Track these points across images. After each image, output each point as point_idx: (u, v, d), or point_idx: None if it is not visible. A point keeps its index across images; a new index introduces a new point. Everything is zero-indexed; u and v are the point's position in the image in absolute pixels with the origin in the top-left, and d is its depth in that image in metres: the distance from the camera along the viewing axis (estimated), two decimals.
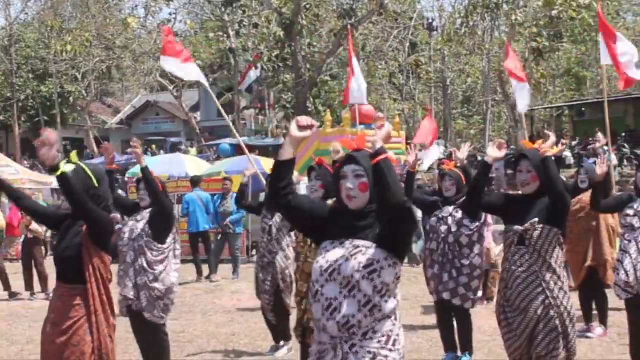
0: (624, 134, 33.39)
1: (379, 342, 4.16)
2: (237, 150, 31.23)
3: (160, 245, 7.83)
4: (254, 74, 37.83)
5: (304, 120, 4.24)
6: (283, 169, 4.28)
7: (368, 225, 4.24)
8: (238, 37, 38.48)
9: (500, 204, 6.39)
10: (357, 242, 4.19)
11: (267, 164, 19.12)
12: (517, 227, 5.97)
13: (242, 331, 11.21)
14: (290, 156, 4.24)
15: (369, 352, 4.13)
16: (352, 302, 4.12)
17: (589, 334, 10.26)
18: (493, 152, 6.00)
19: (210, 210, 17.80)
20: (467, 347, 8.66)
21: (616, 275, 7.82)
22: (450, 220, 8.51)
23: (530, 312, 5.87)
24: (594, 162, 16.54)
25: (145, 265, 7.76)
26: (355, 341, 4.13)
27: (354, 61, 17.28)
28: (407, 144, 22.76)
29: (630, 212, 7.76)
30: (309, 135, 4.23)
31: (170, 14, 43.19)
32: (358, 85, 17.16)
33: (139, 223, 7.91)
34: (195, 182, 18.30)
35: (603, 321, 10.44)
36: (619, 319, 10.87)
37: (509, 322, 6.02)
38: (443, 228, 8.51)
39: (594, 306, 10.57)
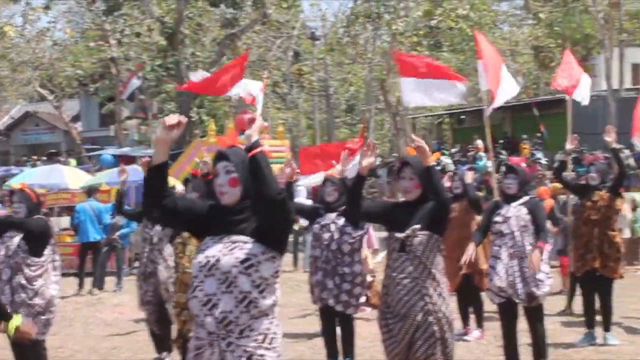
0: (501, 141, 34.30)
1: (255, 340, 4.18)
2: (118, 160, 30.77)
3: (37, 259, 7.65)
4: (135, 82, 37.35)
5: (171, 119, 4.20)
6: (154, 174, 4.25)
7: (244, 219, 4.27)
8: (120, 46, 37.94)
9: (381, 211, 6.41)
10: (235, 237, 4.23)
11: None
12: (398, 234, 6.00)
13: (123, 344, 11.06)
14: (161, 160, 4.21)
15: (245, 351, 4.15)
16: (229, 297, 4.14)
17: (466, 337, 10.52)
18: (366, 162, 6.05)
19: (102, 220, 17.51)
20: (349, 353, 8.76)
21: (489, 281, 8.07)
22: (333, 227, 8.59)
23: (410, 318, 5.93)
24: (468, 169, 16.93)
25: (23, 282, 7.57)
26: (232, 339, 4.14)
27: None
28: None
29: (499, 218, 8.02)
30: (177, 135, 4.19)
31: (49, 22, 42.15)
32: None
33: (13, 239, 7.71)
34: (90, 192, 17.98)
35: (479, 324, 10.72)
36: (494, 323, 11.17)
37: (390, 328, 6.06)
38: (326, 235, 8.59)
39: (470, 309, 10.84)
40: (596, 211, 9.83)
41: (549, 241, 11.45)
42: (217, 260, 4.18)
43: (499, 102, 11.93)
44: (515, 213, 8.03)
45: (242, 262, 4.16)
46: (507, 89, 12.23)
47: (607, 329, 10.03)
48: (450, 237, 10.63)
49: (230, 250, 4.19)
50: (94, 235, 17.37)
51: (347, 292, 8.52)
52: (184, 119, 4.24)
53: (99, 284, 16.99)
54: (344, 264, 8.54)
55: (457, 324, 10.46)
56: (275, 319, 4.30)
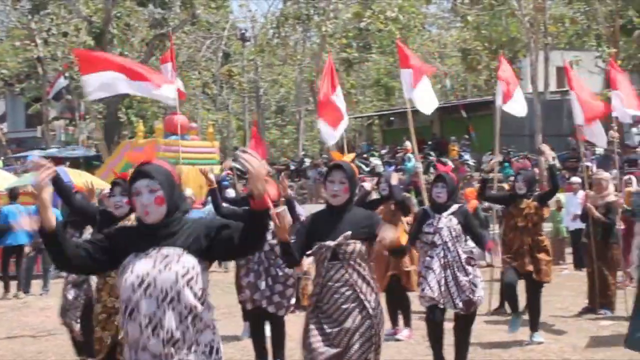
0: (430, 142, 34.65)
1: (203, 353, 4.09)
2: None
3: None
4: (63, 82, 36.83)
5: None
6: (50, 242, 4.05)
7: (172, 233, 4.13)
8: (46, 45, 37.38)
9: (307, 236, 6.07)
10: (165, 250, 4.08)
11: (76, 175, 18.63)
12: (330, 243, 5.90)
13: (49, 349, 10.89)
14: (51, 225, 3.99)
15: None
16: (173, 314, 4.01)
17: (397, 337, 10.60)
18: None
19: None
20: (280, 355, 8.74)
21: (421, 291, 8.12)
22: None
23: (348, 323, 5.89)
24: (395, 170, 17.03)
25: None
26: (182, 356, 4.03)
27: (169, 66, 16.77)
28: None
29: (430, 229, 8.07)
30: (45, 183, 4.01)
31: None
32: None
33: None
34: (14, 195, 17.59)
35: (408, 324, 10.80)
36: (423, 323, 11.27)
37: (325, 332, 5.99)
38: None
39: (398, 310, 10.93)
40: (523, 218, 9.98)
41: (492, 238, 11.67)
42: (154, 278, 4.02)
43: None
44: (447, 224, 8.09)
45: (183, 275, 4.04)
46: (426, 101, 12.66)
47: (535, 329, 10.18)
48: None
49: (166, 266, 4.03)
50: (21, 238, 17.07)
51: (279, 293, 8.50)
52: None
53: (24, 288, 16.71)
54: (277, 265, 8.52)
55: (387, 325, 10.56)
56: (217, 330, 4.22)
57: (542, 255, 10.04)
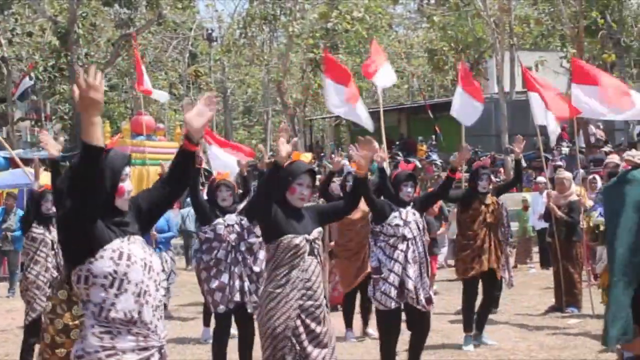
0: (398, 142, 34.76)
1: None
2: (11, 163, 30.03)
3: None
4: (28, 82, 36.53)
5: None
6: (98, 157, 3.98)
7: (129, 220, 4.17)
8: (11, 45, 37.04)
9: (270, 211, 6.11)
10: (137, 236, 4.13)
11: (44, 177, 18.46)
12: (308, 237, 5.94)
13: (16, 351, 10.79)
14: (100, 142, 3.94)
15: (165, 354, 4.20)
16: (158, 300, 4.13)
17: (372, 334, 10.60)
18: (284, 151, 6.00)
19: None
20: (249, 356, 8.68)
21: (391, 285, 8.01)
22: (237, 227, 8.51)
23: (327, 322, 6.00)
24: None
25: None
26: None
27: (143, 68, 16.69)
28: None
29: (399, 222, 8.00)
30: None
31: None
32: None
33: None
34: None
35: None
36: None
37: (312, 330, 6.01)
38: (233, 236, 8.49)
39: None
40: (491, 214, 10.02)
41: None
42: (151, 262, 4.09)
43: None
44: (413, 217, 8.11)
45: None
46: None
47: (483, 327, 10.23)
48: (355, 237, 10.79)
49: (150, 251, 4.13)
50: None
51: (255, 292, 8.46)
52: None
53: None
54: (250, 264, 8.51)
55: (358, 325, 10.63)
56: None
57: (501, 253, 10.11)
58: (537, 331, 10.89)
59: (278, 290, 5.97)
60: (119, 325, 3.94)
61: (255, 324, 8.77)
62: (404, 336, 8.30)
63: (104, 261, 3.93)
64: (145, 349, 4.03)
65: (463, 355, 9.65)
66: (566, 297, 12.17)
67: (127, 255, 3.99)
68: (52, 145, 7.46)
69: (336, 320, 9.32)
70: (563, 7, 33.11)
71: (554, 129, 12.87)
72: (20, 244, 17.33)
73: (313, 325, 5.95)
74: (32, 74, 35.73)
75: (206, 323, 11.01)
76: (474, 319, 10.09)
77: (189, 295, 15.10)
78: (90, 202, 3.86)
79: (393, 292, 7.93)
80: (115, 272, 3.94)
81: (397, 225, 8.00)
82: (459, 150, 9.30)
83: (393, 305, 7.94)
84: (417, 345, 8.25)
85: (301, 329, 5.93)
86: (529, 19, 37.19)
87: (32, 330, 9.06)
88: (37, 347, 8.89)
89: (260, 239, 8.17)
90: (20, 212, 17.01)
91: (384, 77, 13.63)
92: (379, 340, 8.34)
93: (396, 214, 8.03)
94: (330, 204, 8.05)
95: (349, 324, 10.91)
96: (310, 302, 5.95)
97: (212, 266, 8.48)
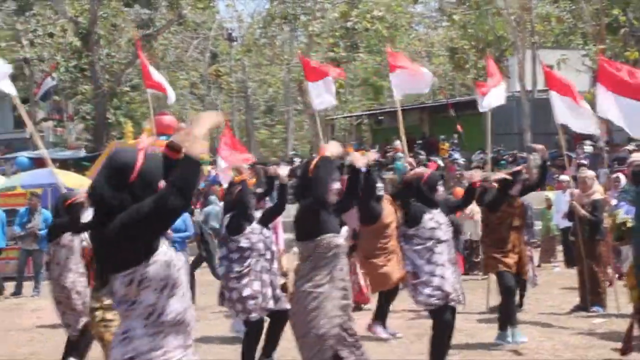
0: (420, 141, 34.68)
1: None
2: (35, 163, 30.18)
3: None
4: (50, 83, 36.74)
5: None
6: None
7: None
8: (32, 46, 37.28)
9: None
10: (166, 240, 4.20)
11: (66, 177, 18.60)
12: (344, 237, 6.02)
13: (42, 350, 10.89)
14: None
15: None
16: None
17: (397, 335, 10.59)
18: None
19: (3, 227, 17.24)
20: (270, 354, 8.71)
21: (432, 287, 7.96)
22: (262, 235, 8.59)
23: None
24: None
25: None
26: None
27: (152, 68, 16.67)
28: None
29: (434, 224, 7.93)
30: None
31: None
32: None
33: None
34: None
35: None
36: (417, 321, 11.33)
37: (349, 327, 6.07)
38: (261, 244, 8.52)
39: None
40: (518, 216, 10.02)
41: None
42: (182, 262, 4.15)
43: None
44: (444, 219, 8.09)
45: None
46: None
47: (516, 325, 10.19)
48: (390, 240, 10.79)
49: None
50: (1, 242, 17.20)
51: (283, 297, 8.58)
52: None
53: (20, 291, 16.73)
54: (274, 271, 8.58)
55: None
56: None
57: (525, 254, 10.12)
58: (562, 330, 10.84)
59: (320, 290, 5.96)
60: (169, 327, 3.98)
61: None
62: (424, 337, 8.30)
63: (157, 266, 3.96)
64: (189, 346, 4.08)
65: (487, 354, 9.63)
66: (591, 296, 12.11)
67: (174, 259, 4.05)
68: None
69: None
70: (584, 4, 32.97)
71: (591, 119, 12.54)
72: (45, 244, 17.45)
73: (349, 323, 6.00)
74: (54, 75, 35.94)
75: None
76: (501, 318, 10.05)
77: (205, 294, 15.11)
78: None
79: (437, 294, 7.91)
80: (168, 276, 3.99)
81: (433, 229, 7.95)
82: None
83: (441, 302, 7.92)
84: (447, 342, 8.24)
85: (347, 325, 5.99)
86: (550, 16, 37.03)
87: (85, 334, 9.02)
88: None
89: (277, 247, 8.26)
90: (45, 212, 17.13)
91: (495, 97, 13.42)
92: (431, 339, 8.23)
93: (430, 216, 7.99)
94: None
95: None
96: (346, 302, 5.98)
97: (245, 274, 8.41)
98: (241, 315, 8.51)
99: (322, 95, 14.30)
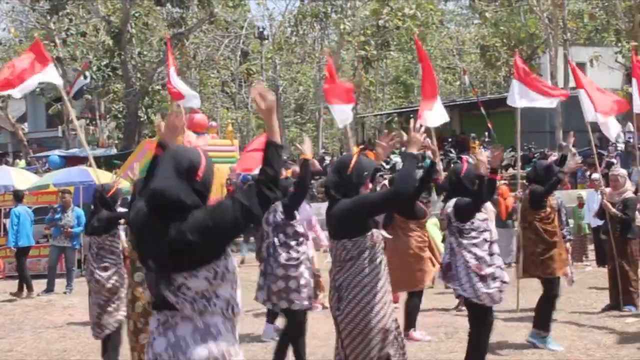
0: (450, 139, 34.55)
1: None
2: (67, 161, 30.44)
3: None
4: (82, 82, 37.01)
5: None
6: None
7: None
8: (65, 45, 37.55)
9: None
10: None
11: (101, 175, 18.68)
12: (384, 234, 6.02)
13: (73, 347, 10.96)
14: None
15: None
16: None
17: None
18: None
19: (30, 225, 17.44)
20: (301, 354, 8.68)
21: (500, 283, 7.88)
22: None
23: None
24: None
25: None
26: None
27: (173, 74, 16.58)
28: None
29: (483, 224, 7.90)
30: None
31: None
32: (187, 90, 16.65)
33: None
34: (20, 196, 17.70)
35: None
36: (447, 319, 11.29)
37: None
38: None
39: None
40: (557, 213, 10.01)
41: None
42: None
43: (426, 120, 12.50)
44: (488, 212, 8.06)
45: None
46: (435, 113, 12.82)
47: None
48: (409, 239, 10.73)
49: None
50: (32, 239, 17.36)
51: (295, 290, 8.53)
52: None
53: (52, 287, 16.84)
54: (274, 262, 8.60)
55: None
56: None
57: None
58: (594, 330, 10.76)
59: (379, 284, 5.92)
60: (236, 320, 4.09)
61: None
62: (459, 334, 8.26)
63: (232, 258, 4.07)
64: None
65: (519, 354, 9.57)
66: (623, 296, 12.01)
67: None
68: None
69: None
70: (617, 1, 32.68)
71: (612, 125, 12.63)
72: (77, 241, 17.58)
73: (397, 320, 6.00)
74: (87, 73, 36.19)
75: (270, 320, 10.92)
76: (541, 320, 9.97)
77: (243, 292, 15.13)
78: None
79: (503, 286, 7.86)
80: (235, 267, 4.10)
81: (485, 219, 7.92)
82: (495, 150, 8.93)
83: (502, 297, 7.89)
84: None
85: (397, 322, 5.98)
86: (583, 13, 36.76)
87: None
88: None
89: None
90: (77, 210, 17.28)
91: (434, 116, 13.56)
92: (473, 337, 8.05)
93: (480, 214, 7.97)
94: None
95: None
96: (390, 297, 5.98)
97: (302, 261, 8.49)
98: (297, 304, 8.44)
99: (344, 112, 14.26)
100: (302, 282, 8.40)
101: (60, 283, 17.09)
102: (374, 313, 5.81)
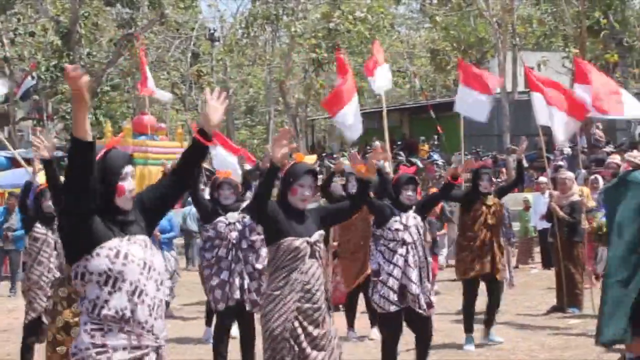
0: (399, 142, 34.72)
1: (165, 341, 4.21)
2: (12, 163, 30.01)
3: None
4: (30, 82, 36.52)
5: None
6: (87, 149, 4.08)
7: (134, 219, 4.19)
8: (13, 45, 37.03)
9: (274, 210, 6.07)
10: (139, 236, 4.15)
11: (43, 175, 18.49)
12: (309, 239, 5.93)
13: (18, 350, 10.80)
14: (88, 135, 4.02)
15: (163, 355, 4.17)
16: (160, 299, 4.14)
17: (372, 336, 10.58)
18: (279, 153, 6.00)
19: None
20: (250, 355, 8.69)
21: (382, 288, 7.98)
22: (239, 225, 8.56)
23: (326, 324, 5.95)
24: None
25: None
26: (163, 342, 4.14)
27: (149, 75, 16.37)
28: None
29: (399, 226, 7.92)
30: None
31: None
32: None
33: None
34: None
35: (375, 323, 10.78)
36: None
37: (309, 333, 5.98)
38: (234, 234, 8.54)
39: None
40: (492, 215, 10.00)
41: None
42: (152, 262, 4.10)
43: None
44: (414, 222, 8.04)
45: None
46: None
47: (491, 325, 10.24)
48: (353, 237, 10.80)
49: (152, 251, 4.14)
50: None
51: (255, 291, 8.47)
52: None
53: None
54: (252, 262, 8.53)
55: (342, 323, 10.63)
56: None
57: (499, 255, 10.11)
58: (539, 331, 10.88)
59: (276, 293, 5.96)
60: (111, 322, 3.98)
61: (257, 324, 8.83)
62: (405, 337, 8.28)
63: (100, 259, 3.97)
64: (138, 347, 4.03)
65: (464, 355, 9.65)
66: (568, 298, 12.16)
67: (124, 254, 4.02)
68: (44, 147, 7.37)
69: (338, 320, 9.34)
70: (566, 7, 33.10)
71: (569, 127, 12.44)
72: (21, 244, 17.33)
73: (311, 328, 5.92)
74: (34, 74, 35.74)
75: (208, 323, 10.98)
76: (484, 320, 10.15)
77: (189, 294, 15.10)
78: (83, 197, 3.93)
79: (392, 296, 7.88)
80: (110, 270, 3.98)
81: (397, 230, 7.94)
82: (455, 160, 9.19)
83: (392, 308, 7.88)
84: (421, 351, 8.17)
85: (299, 331, 5.91)
86: (532, 19, 37.17)
87: (32, 329, 9.04)
88: (36, 346, 8.93)
89: (262, 237, 8.17)
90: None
91: (381, 79, 13.45)
92: (381, 341, 8.33)
93: (397, 218, 7.96)
94: (334, 206, 7.79)
95: (350, 323, 10.93)
96: (308, 305, 5.92)
97: (213, 264, 8.56)
98: (213, 305, 8.68)
99: (353, 123, 13.43)
100: (214, 283, 8.51)
101: (4, 286, 16.88)
102: (265, 319, 5.98)
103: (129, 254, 4.03)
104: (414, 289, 7.86)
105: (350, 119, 12.96)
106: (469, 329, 10.01)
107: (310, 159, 7.05)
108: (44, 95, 39.87)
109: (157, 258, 4.16)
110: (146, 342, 4.05)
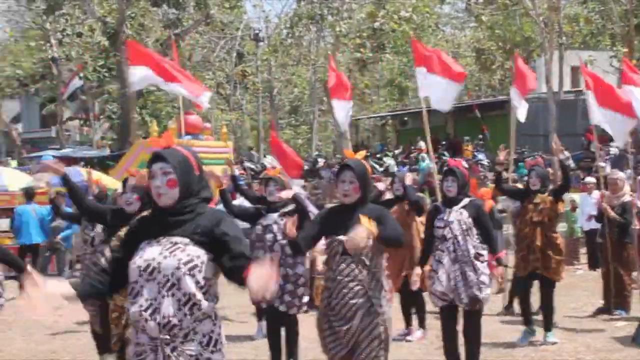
0: (444, 142, 34.57)
1: (200, 343, 4.13)
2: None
3: None
4: (77, 82, 36.93)
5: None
6: None
7: (184, 221, 4.19)
8: (61, 46, 37.48)
9: (319, 228, 6.18)
10: (174, 238, 4.16)
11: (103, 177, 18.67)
12: (342, 237, 5.88)
13: (63, 348, 10.92)
14: None
15: (190, 355, 4.11)
16: (171, 301, 4.08)
17: (408, 338, 10.56)
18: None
19: (44, 224, 17.25)
20: (293, 354, 8.75)
21: (432, 285, 8.04)
22: (275, 228, 8.59)
23: (356, 320, 5.90)
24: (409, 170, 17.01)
25: None
26: (177, 344, 4.09)
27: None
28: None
29: (440, 223, 7.98)
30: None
31: None
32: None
33: None
34: (30, 194, 17.61)
35: (422, 325, 10.76)
36: (437, 323, 11.23)
37: (335, 331, 6.00)
38: (269, 236, 8.58)
39: (412, 310, 10.88)
40: (538, 213, 9.93)
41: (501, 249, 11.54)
42: (159, 263, 4.09)
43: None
44: (457, 217, 7.96)
45: (186, 263, 4.10)
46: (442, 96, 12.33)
47: (547, 329, 10.15)
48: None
49: (172, 252, 4.11)
50: (36, 237, 17.13)
51: (289, 292, 8.51)
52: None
53: None
54: (287, 265, 8.54)
55: (400, 325, 10.55)
56: (218, 321, 4.26)
57: (553, 253, 10.00)
58: (584, 333, 10.75)
59: (324, 294, 6.07)
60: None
61: (299, 324, 8.87)
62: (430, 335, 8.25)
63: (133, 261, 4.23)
64: (138, 343, 4.20)
65: (508, 355, 9.56)
66: (615, 299, 12.00)
67: (139, 255, 4.21)
68: (39, 178, 7.51)
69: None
70: (613, 5, 32.69)
71: (625, 127, 12.14)
72: (69, 243, 17.53)
73: (335, 324, 5.97)
74: (82, 74, 36.13)
75: (259, 318, 10.99)
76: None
77: (233, 294, 15.11)
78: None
79: (437, 293, 7.92)
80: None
81: (438, 227, 7.99)
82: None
83: (440, 303, 7.95)
84: (469, 351, 8.14)
85: (325, 325, 6.06)
86: (579, 17, 36.77)
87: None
88: (75, 346, 9.00)
89: None
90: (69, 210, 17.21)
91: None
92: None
93: (441, 215, 8.00)
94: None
95: (407, 322, 10.84)
96: (336, 301, 5.95)
97: None
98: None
99: (345, 115, 14.05)
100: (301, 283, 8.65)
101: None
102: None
103: (140, 255, 4.20)
104: (438, 286, 7.94)
105: (342, 115, 13.79)
106: (525, 323, 10.16)
107: (360, 155, 6.99)
108: (90, 95, 40.29)
109: (169, 260, 4.12)
110: (142, 340, 4.19)
